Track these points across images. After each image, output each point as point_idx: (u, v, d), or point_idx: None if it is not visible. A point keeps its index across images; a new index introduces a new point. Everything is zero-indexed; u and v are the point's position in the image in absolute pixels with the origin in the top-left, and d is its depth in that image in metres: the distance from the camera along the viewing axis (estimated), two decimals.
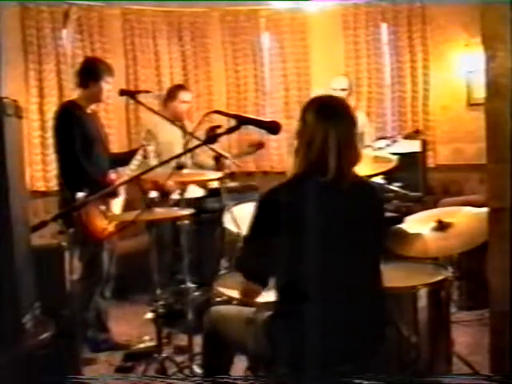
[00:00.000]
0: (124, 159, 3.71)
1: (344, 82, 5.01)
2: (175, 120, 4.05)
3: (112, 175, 3.56)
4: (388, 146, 4.44)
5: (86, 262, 3.41)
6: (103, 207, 3.40)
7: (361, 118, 5.11)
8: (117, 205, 3.55)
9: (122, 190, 3.58)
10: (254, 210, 1.97)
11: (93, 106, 3.59)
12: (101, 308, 3.59)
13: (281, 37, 5.84)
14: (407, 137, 4.56)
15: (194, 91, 5.77)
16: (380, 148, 4.35)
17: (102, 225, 3.33)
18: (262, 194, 2.05)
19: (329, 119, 1.95)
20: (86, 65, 3.58)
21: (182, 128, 4.07)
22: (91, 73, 3.47)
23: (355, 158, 1.98)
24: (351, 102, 5.32)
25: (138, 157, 3.68)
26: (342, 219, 1.96)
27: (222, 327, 2.19)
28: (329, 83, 5.03)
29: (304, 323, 1.90)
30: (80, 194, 3.17)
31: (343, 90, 4.95)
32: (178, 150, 4.03)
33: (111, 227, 3.34)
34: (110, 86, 3.53)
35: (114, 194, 3.50)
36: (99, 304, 3.57)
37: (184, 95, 4.39)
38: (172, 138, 4.12)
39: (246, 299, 2.10)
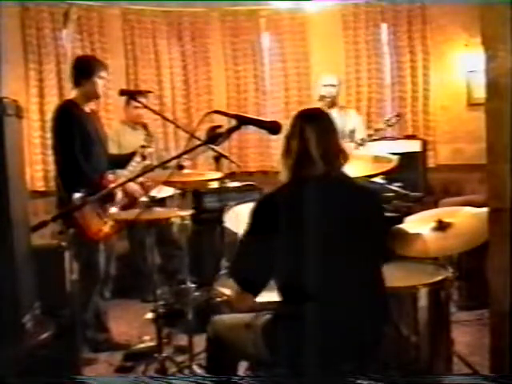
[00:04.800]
0: (122, 161, 3.70)
1: (333, 78, 4.96)
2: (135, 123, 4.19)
3: (110, 176, 3.53)
4: (364, 141, 4.38)
5: (84, 263, 3.40)
6: (100, 209, 3.39)
7: (352, 116, 5.05)
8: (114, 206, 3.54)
9: (119, 192, 3.57)
10: (249, 217, 1.99)
11: (92, 105, 3.58)
12: (100, 308, 3.59)
13: (281, 37, 5.83)
14: (390, 125, 4.47)
15: (194, 91, 5.78)
16: (360, 144, 4.32)
17: (98, 226, 3.32)
18: (256, 200, 2.07)
19: (301, 120, 2.06)
20: (77, 63, 3.56)
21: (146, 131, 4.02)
22: (83, 70, 3.45)
23: (334, 153, 2.04)
24: (340, 102, 5.24)
25: (137, 159, 3.67)
26: (338, 220, 1.98)
27: (225, 335, 2.21)
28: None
29: (302, 325, 1.91)
30: (77, 195, 3.16)
31: (333, 85, 4.89)
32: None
33: (107, 228, 3.33)
34: (102, 81, 3.49)
35: (111, 196, 3.48)
36: (99, 304, 3.57)
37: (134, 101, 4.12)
38: (135, 144, 3.91)
39: (238, 306, 2.16)
